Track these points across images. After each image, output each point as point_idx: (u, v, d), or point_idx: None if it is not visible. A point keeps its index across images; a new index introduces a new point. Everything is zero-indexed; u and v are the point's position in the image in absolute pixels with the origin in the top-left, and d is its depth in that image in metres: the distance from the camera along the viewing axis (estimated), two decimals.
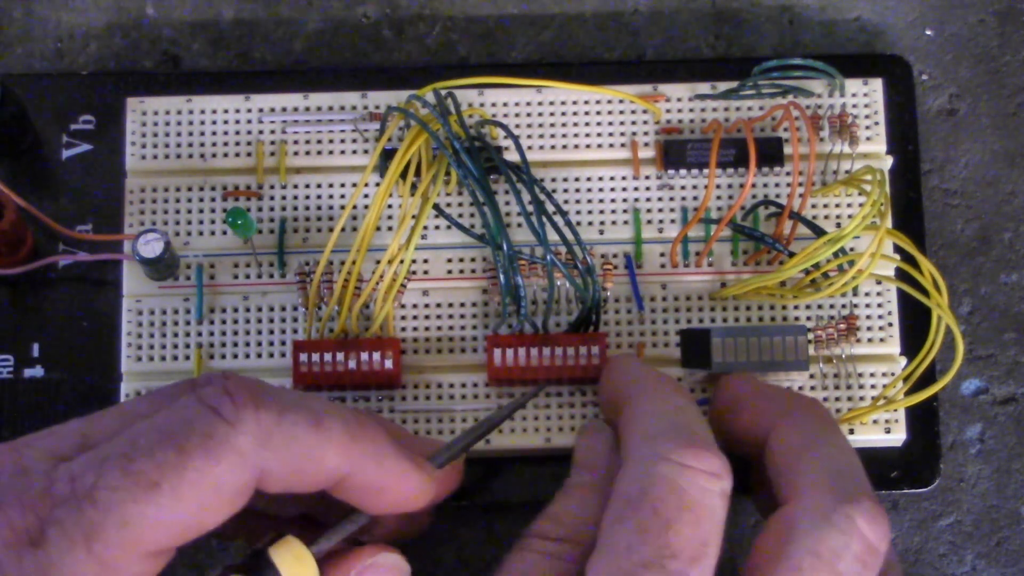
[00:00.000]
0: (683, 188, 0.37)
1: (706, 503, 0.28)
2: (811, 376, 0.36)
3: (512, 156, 0.36)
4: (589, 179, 0.37)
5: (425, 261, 0.37)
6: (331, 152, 0.37)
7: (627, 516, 0.28)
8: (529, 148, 0.37)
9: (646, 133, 0.38)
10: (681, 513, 0.27)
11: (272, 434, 0.26)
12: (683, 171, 0.37)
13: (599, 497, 0.30)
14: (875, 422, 0.36)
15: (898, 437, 0.36)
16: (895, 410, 0.36)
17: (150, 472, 0.24)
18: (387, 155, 0.36)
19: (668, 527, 0.27)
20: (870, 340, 0.37)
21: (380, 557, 0.29)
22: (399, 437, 0.31)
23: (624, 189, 0.37)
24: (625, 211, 0.37)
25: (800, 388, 0.36)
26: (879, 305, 0.37)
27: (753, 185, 0.37)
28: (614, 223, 0.37)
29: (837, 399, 0.36)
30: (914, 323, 0.37)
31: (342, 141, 0.37)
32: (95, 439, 0.26)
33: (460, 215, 0.37)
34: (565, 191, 0.37)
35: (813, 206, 0.37)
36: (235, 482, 0.25)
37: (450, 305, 0.36)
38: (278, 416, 0.26)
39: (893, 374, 0.36)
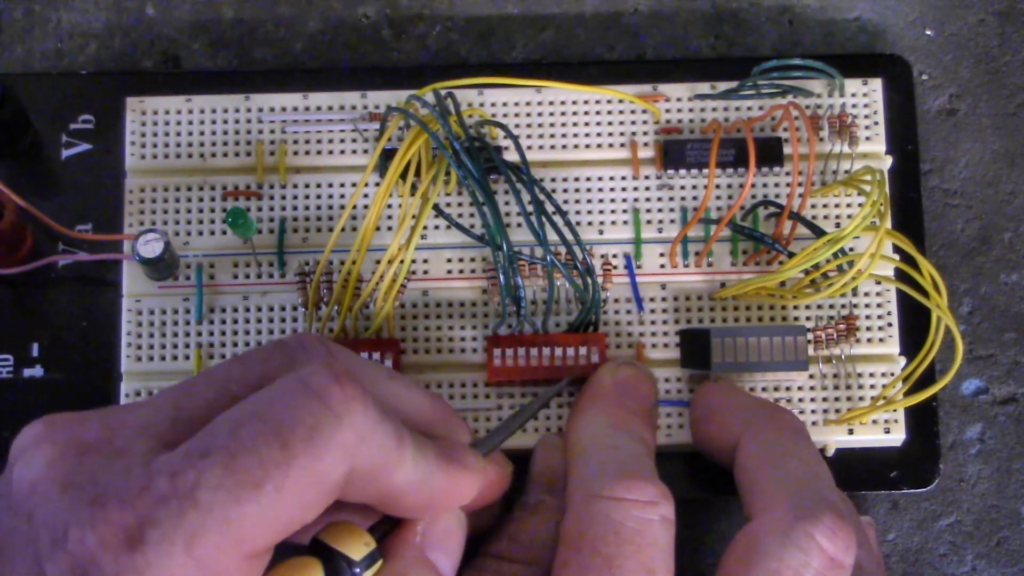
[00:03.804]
0: (683, 188, 0.37)
1: (646, 532, 0.28)
2: (811, 376, 0.36)
3: (512, 156, 0.36)
4: (589, 179, 0.37)
5: (425, 261, 0.37)
6: (331, 152, 0.37)
7: (571, 560, 0.29)
8: (529, 148, 0.37)
9: (646, 133, 0.38)
10: (621, 547, 0.28)
11: (372, 436, 0.25)
12: (683, 171, 0.37)
13: (555, 517, 0.31)
14: (875, 422, 0.36)
15: (898, 437, 0.36)
16: (895, 410, 0.36)
17: (254, 470, 0.23)
18: (387, 155, 0.36)
19: (611, 564, 0.28)
20: (869, 340, 0.37)
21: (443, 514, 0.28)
22: (446, 426, 0.30)
23: (624, 189, 0.37)
24: (625, 211, 0.37)
25: (800, 388, 0.36)
26: (879, 305, 0.37)
27: (753, 185, 0.37)
28: (614, 223, 0.37)
29: (837, 399, 0.36)
30: (914, 323, 0.37)
31: (342, 141, 0.37)
32: (189, 412, 0.25)
33: (460, 215, 0.37)
34: (565, 191, 0.37)
35: (813, 206, 0.37)
36: (335, 478, 0.24)
37: (450, 305, 0.36)
38: (379, 418, 0.25)
39: (893, 374, 0.36)
